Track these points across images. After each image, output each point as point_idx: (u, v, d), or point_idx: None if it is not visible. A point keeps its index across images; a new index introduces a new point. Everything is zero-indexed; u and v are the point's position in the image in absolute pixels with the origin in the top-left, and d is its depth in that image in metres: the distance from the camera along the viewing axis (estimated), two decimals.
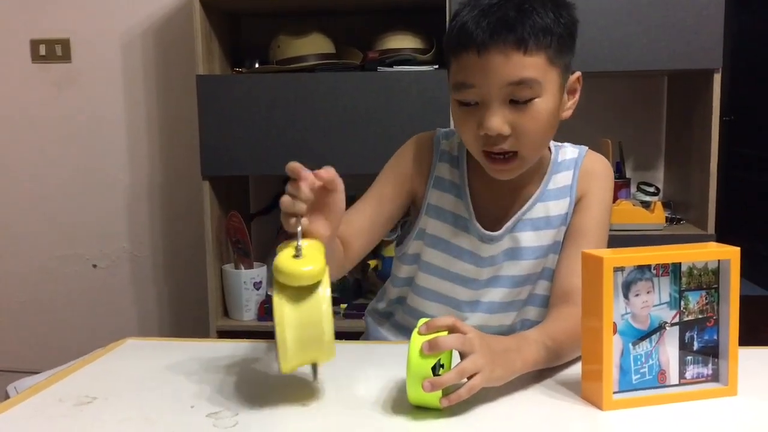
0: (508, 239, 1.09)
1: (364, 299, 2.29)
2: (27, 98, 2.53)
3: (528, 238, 1.09)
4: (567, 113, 1.04)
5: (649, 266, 0.81)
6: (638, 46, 1.98)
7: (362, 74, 2.07)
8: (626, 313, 0.81)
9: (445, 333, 0.78)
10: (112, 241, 2.58)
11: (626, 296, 0.80)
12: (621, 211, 2.02)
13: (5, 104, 2.54)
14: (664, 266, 0.81)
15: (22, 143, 2.56)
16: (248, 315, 2.22)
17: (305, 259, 0.77)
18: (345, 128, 2.04)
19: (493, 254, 1.10)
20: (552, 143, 1.13)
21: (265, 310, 2.19)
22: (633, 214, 2.05)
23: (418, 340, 0.78)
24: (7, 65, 2.52)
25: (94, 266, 2.60)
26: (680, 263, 0.81)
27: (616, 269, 0.79)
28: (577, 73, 1.04)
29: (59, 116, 2.53)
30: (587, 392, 0.83)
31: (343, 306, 2.22)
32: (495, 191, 1.09)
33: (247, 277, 2.20)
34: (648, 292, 0.81)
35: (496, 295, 1.11)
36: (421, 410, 0.79)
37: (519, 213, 1.09)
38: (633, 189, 2.29)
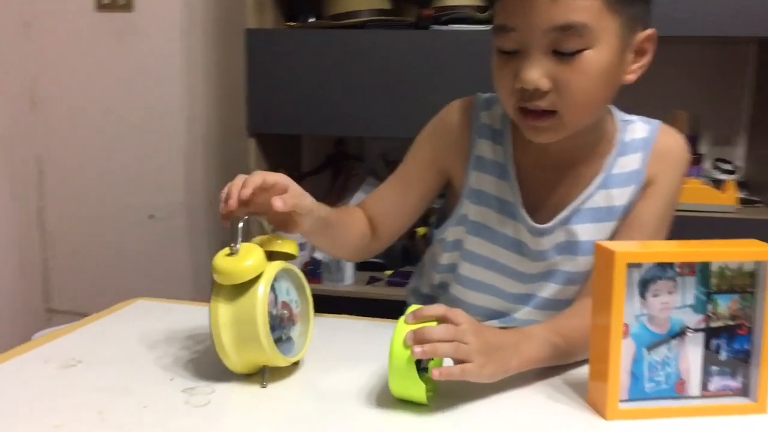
0: (562, 232, 0.94)
1: (411, 266, 2.23)
2: (88, 46, 2.55)
3: (585, 232, 0.94)
4: (631, 76, 0.88)
5: (671, 263, 0.71)
6: (722, 7, 1.79)
7: (415, 32, 1.97)
8: (642, 315, 0.72)
9: (434, 323, 0.72)
10: (168, 192, 2.61)
11: (643, 295, 0.71)
12: (686, 189, 1.86)
13: (67, 51, 2.57)
14: (691, 264, 0.71)
15: (82, 91, 2.59)
16: None
17: (239, 257, 0.76)
18: (396, 89, 1.95)
19: (544, 248, 0.95)
20: (620, 118, 0.97)
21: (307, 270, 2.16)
22: (700, 194, 1.87)
23: (403, 329, 0.71)
24: (71, 12, 2.54)
25: (151, 217, 2.64)
26: (710, 262, 0.71)
27: (632, 265, 0.70)
28: (650, 31, 0.86)
29: (118, 66, 2.54)
30: (593, 397, 0.75)
31: (388, 272, 2.18)
32: (546, 171, 0.95)
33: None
34: (669, 293, 0.72)
35: (546, 290, 0.98)
36: (404, 404, 0.73)
37: (576, 201, 0.94)
38: (707, 165, 2.12)
